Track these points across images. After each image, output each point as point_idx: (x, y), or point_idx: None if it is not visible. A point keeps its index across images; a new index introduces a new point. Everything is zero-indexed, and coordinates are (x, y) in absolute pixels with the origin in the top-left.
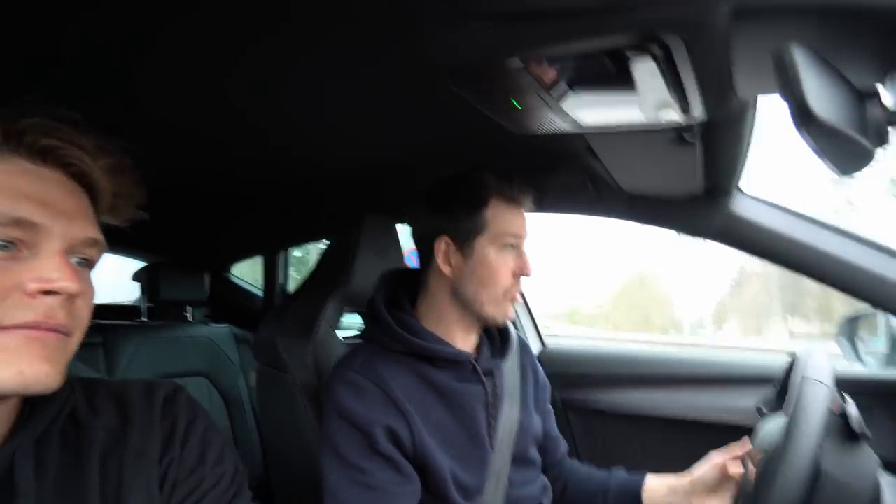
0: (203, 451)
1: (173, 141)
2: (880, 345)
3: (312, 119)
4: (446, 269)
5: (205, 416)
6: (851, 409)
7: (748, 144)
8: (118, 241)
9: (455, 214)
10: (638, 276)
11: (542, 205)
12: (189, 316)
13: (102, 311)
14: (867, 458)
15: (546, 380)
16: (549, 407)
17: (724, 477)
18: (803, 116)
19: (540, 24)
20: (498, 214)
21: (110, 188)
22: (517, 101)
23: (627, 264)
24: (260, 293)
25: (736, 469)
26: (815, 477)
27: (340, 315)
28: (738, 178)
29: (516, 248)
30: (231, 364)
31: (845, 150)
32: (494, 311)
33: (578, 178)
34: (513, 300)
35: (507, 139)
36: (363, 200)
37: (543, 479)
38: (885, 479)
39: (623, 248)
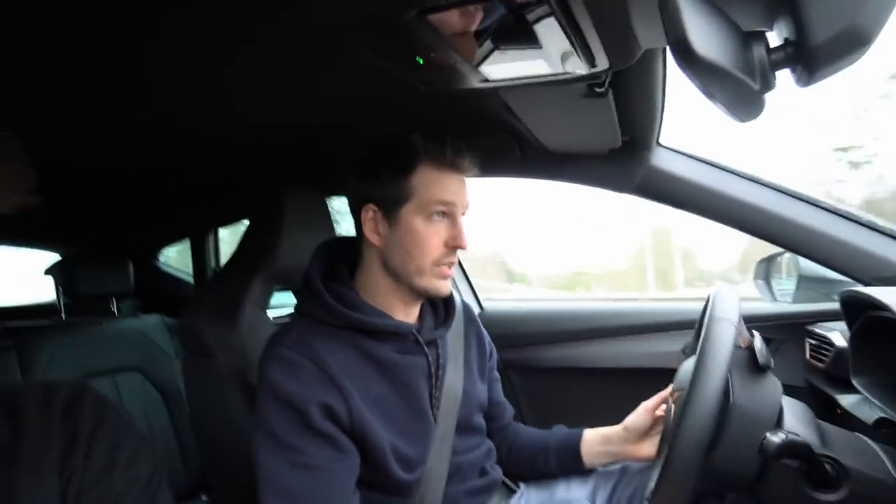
0: (112, 455)
1: (78, 125)
2: (790, 283)
3: (217, 93)
4: (374, 239)
5: (114, 417)
6: (758, 342)
7: (662, 96)
8: (25, 234)
9: (380, 181)
10: (660, 231)
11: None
12: (115, 309)
13: (13, 312)
14: (772, 386)
15: (493, 346)
16: (496, 374)
17: (654, 421)
18: (686, 56)
19: None
20: (426, 181)
21: None
22: (420, 57)
23: (647, 219)
24: (191, 279)
25: (663, 412)
26: (725, 408)
27: (270, 295)
28: (657, 132)
29: (449, 217)
30: (165, 356)
31: (733, 93)
32: (425, 284)
33: (504, 139)
34: (443, 274)
35: (425, 102)
36: (285, 174)
37: (488, 443)
38: (786, 402)
39: (642, 204)
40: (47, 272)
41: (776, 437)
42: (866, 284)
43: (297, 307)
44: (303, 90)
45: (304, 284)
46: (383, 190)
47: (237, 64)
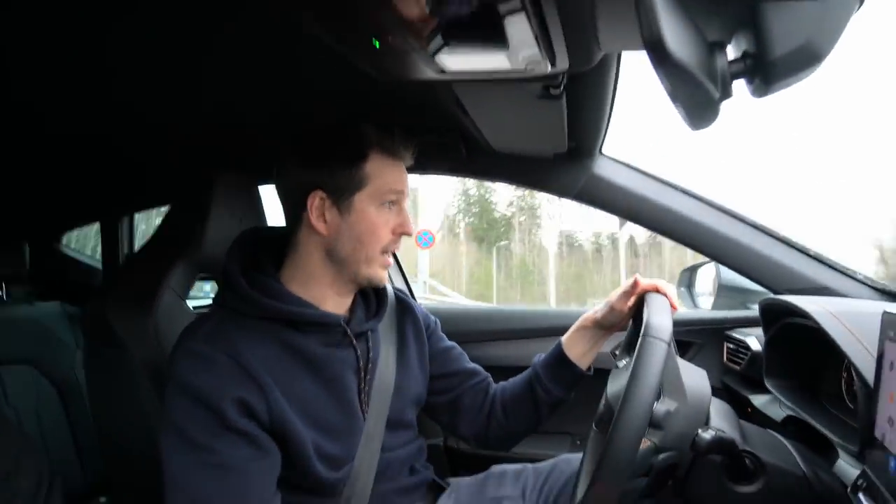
0: None
1: None
2: (710, 291)
3: (145, 64)
4: (320, 227)
5: None
6: None
7: (611, 104)
8: None
9: (331, 168)
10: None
11: (413, 168)
12: (3, 295)
13: None
14: (702, 382)
15: (433, 319)
16: (448, 344)
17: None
18: (660, 56)
19: None
20: (378, 169)
21: None
22: (376, 40)
23: None
24: (100, 266)
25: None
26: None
27: (191, 283)
28: (601, 140)
29: (397, 205)
30: (64, 347)
31: (695, 99)
32: (371, 272)
33: (448, 136)
34: (387, 263)
35: (371, 91)
36: (216, 159)
37: (419, 441)
38: (712, 402)
39: None
40: None
41: (707, 434)
42: (779, 294)
43: (214, 298)
44: (238, 67)
45: (222, 273)
46: (334, 177)
47: (168, 36)
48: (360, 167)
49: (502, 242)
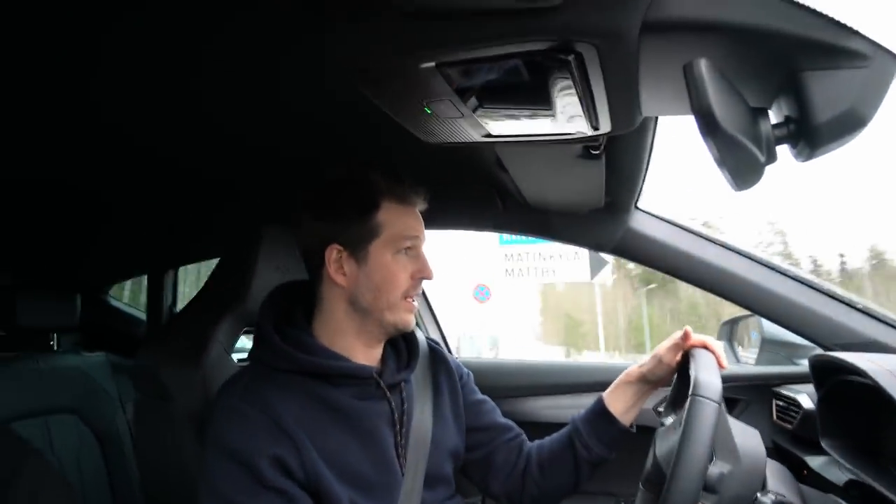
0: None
1: (25, 140)
2: (755, 345)
3: (196, 121)
4: (340, 279)
5: (35, 465)
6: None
7: (647, 162)
8: None
9: (344, 220)
10: None
11: (449, 222)
12: (55, 345)
13: None
14: (756, 444)
15: (465, 371)
16: (480, 397)
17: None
18: (710, 126)
19: (452, 25)
20: (391, 217)
21: None
22: (428, 107)
23: None
24: (144, 317)
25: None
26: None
27: (236, 337)
28: (637, 195)
29: (413, 250)
30: (107, 397)
31: (743, 162)
32: (395, 318)
33: (486, 192)
34: (411, 307)
35: (415, 148)
36: (261, 212)
37: (457, 498)
38: (767, 464)
39: None
40: None
41: (766, 499)
42: (826, 349)
43: (249, 354)
44: (287, 119)
45: (256, 328)
46: (348, 230)
47: (216, 84)
48: (373, 216)
49: (651, 285)
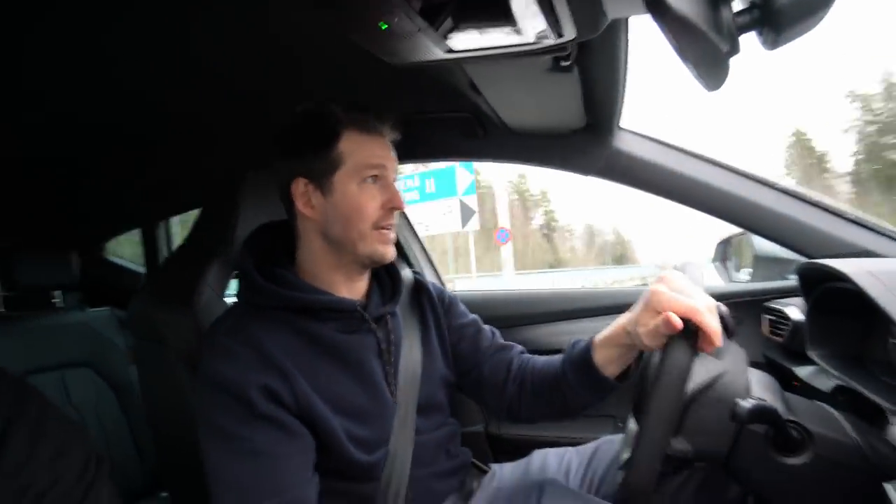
0: (32, 448)
1: (10, 105)
2: (747, 263)
3: (170, 70)
4: (309, 212)
5: (37, 405)
6: (723, 309)
7: (624, 74)
8: None
9: (306, 153)
10: None
11: (429, 153)
12: (59, 302)
13: None
14: (739, 355)
15: (448, 295)
16: (465, 320)
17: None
18: (660, 8)
19: None
20: (353, 146)
21: None
22: (384, 23)
23: None
24: (142, 271)
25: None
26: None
27: (227, 280)
28: (619, 113)
29: (382, 179)
30: (117, 349)
31: (703, 54)
32: (369, 249)
33: (465, 119)
34: (385, 237)
35: (386, 77)
36: (242, 157)
37: (452, 425)
38: (752, 373)
39: None
40: None
41: (747, 403)
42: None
43: (236, 294)
44: (252, 58)
45: (238, 270)
46: (311, 162)
47: (188, 30)
48: (334, 147)
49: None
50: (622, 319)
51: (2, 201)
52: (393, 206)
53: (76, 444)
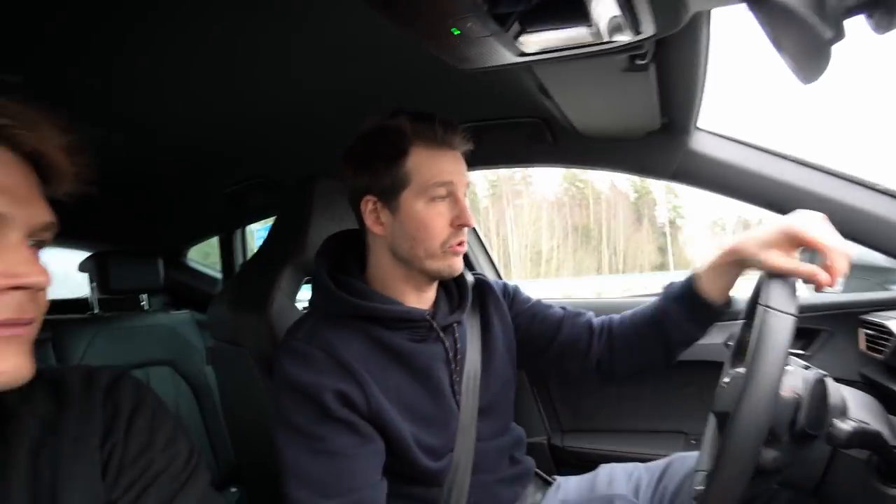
0: (151, 434)
1: (111, 124)
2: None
3: (247, 88)
4: (378, 229)
5: (153, 398)
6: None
7: (703, 74)
8: (59, 230)
9: (374, 171)
10: None
11: (497, 160)
12: (146, 305)
13: (50, 306)
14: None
15: (512, 286)
16: (530, 303)
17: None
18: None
19: None
20: (421, 163)
21: (70, 168)
22: (455, 28)
23: None
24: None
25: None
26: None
27: (298, 285)
28: (696, 113)
29: (450, 196)
30: (195, 350)
31: (803, 43)
32: (437, 266)
33: (534, 124)
34: (455, 252)
35: (455, 84)
36: (315, 167)
37: (517, 431)
38: (849, 392)
39: None
40: (81, 268)
41: (846, 425)
42: None
43: (309, 301)
44: (321, 72)
45: (312, 278)
46: (378, 180)
47: (263, 54)
48: (401, 164)
49: None
50: (734, 243)
51: (98, 213)
52: (461, 223)
53: (182, 435)
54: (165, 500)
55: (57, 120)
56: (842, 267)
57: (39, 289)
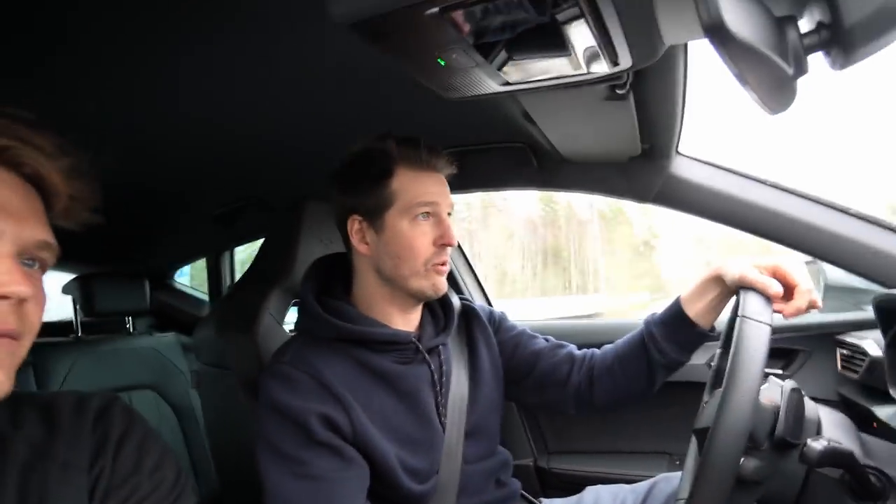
0: (139, 459)
1: (99, 145)
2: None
3: (233, 109)
4: (363, 249)
5: (142, 425)
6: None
7: (682, 101)
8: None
9: (360, 191)
10: None
11: (482, 183)
12: (130, 327)
13: None
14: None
15: (498, 313)
16: (515, 331)
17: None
18: (719, 34)
19: None
20: (406, 184)
21: (67, 191)
22: (441, 58)
23: None
24: (206, 298)
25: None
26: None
27: (286, 308)
28: (676, 138)
29: (434, 216)
30: (179, 373)
31: (767, 78)
32: (420, 285)
33: (518, 149)
34: (438, 271)
35: (440, 111)
36: (302, 190)
37: (503, 454)
38: (823, 412)
39: None
40: (65, 290)
41: (818, 444)
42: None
43: (296, 324)
44: (310, 96)
45: (299, 301)
46: (364, 199)
47: (252, 77)
48: (387, 185)
49: None
50: (714, 271)
51: (85, 234)
52: (444, 242)
53: (170, 460)
54: None
55: (60, 144)
56: (802, 306)
57: (20, 299)
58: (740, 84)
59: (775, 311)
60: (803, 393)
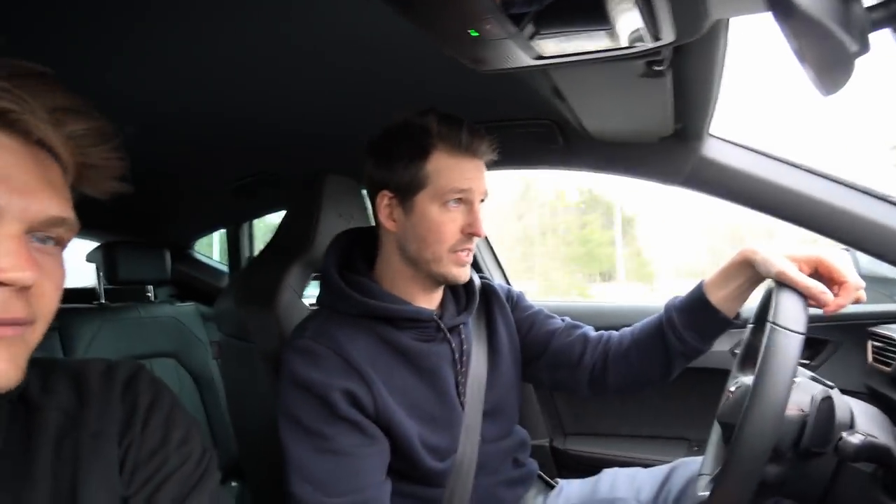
0: (167, 432)
1: (121, 117)
2: None
3: (255, 82)
4: (390, 226)
5: (169, 396)
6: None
7: (719, 79)
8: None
9: (394, 167)
10: None
11: (508, 161)
12: (151, 296)
13: None
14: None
15: (516, 292)
16: (532, 310)
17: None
18: (782, 5)
19: None
20: (441, 167)
21: (76, 159)
22: (474, 30)
23: None
24: (225, 269)
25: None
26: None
27: (306, 281)
28: (709, 119)
29: (465, 203)
30: (200, 343)
31: (827, 54)
32: (443, 270)
33: (545, 126)
34: (461, 260)
35: (469, 84)
36: (322, 163)
37: (520, 433)
38: (857, 405)
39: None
40: (89, 258)
41: (854, 438)
42: None
43: (318, 298)
44: (332, 67)
45: (321, 276)
46: (397, 177)
47: (271, 49)
48: (422, 166)
49: None
50: (751, 246)
51: (107, 203)
52: (472, 231)
53: (196, 433)
54: (178, 498)
55: (78, 105)
56: (847, 301)
57: (22, 286)
58: (798, 60)
59: (813, 307)
60: (833, 388)
